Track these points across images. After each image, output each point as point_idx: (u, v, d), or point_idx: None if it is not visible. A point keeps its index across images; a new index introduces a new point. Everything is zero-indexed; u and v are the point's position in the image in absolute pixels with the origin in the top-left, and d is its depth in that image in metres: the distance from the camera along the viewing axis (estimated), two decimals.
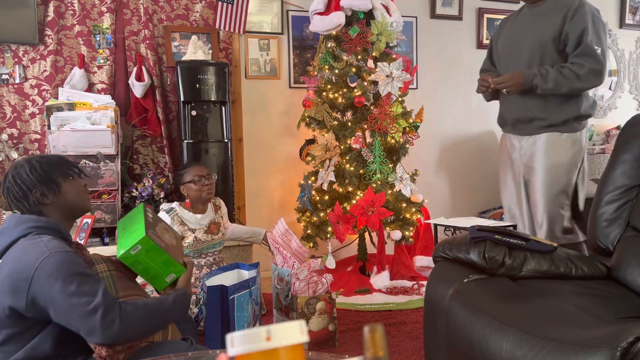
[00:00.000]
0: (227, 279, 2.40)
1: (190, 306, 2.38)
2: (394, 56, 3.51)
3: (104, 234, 3.14)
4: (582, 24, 2.49)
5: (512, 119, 2.75)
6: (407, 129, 3.49)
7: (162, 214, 2.55)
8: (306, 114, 3.54)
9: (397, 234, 3.36)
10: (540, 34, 2.58)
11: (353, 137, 3.42)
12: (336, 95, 3.43)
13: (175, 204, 2.61)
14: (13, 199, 1.50)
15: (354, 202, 3.33)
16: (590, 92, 2.66)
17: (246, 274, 2.48)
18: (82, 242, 2.89)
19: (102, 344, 1.35)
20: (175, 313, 1.52)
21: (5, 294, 1.38)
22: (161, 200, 3.29)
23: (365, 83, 3.39)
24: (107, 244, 3.11)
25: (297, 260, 2.50)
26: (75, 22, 3.47)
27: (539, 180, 2.64)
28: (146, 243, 1.53)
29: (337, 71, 3.46)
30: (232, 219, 3.29)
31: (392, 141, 3.44)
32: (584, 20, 2.49)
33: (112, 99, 3.40)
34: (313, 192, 3.49)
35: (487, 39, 4.52)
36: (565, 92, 2.54)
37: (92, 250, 2.95)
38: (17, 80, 3.39)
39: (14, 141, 3.39)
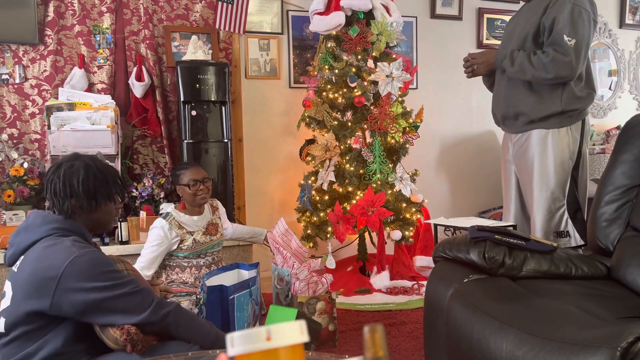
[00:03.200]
0: (227, 279, 2.40)
1: (191, 306, 2.38)
2: (394, 56, 3.51)
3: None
4: (555, 13, 2.42)
5: (500, 115, 2.72)
6: (407, 129, 3.49)
7: (159, 220, 2.54)
8: (306, 114, 3.54)
9: (397, 234, 3.36)
10: (525, 29, 2.55)
11: (353, 137, 3.42)
12: (336, 95, 3.43)
13: (171, 209, 2.59)
14: (52, 193, 1.49)
15: (354, 202, 3.33)
16: (576, 85, 2.52)
17: (246, 274, 2.48)
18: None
19: (138, 323, 1.38)
20: (204, 343, 1.49)
21: (27, 294, 1.37)
22: (161, 200, 3.29)
23: (365, 83, 3.39)
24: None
25: (297, 261, 2.50)
26: (75, 22, 3.48)
27: (529, 181, 2.60)
28: None
29: (337, 71, 3.46)
30: (232, 219, 3.29)
31: (392, 141, 3.44)
32: (558, 10, 2.41)
33: (112, 99, 3.40)
34: (313, 192, 3.49)
35: (487, 39, 4.52)
36: (530, 78, 2.48)
37: None
38: (17, 80, 3.39)
39: (14, 141, 3.39)
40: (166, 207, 2.63)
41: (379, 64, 3.40)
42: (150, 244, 2.47)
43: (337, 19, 3.40)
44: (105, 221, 1.57)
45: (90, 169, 1.50)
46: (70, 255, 1.35)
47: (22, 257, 1.44)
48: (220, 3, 3.60)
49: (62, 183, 1.47)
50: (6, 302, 1.44)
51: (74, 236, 1.45)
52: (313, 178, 3.53)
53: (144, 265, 2.43)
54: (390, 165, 3.44)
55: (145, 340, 1.41)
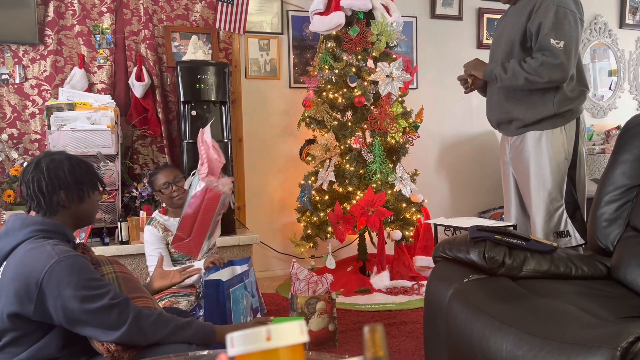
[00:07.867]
0: (223, 275, 2.41)
1: (189, 307, 2.39)
2: (394, 56, 3.51)
3: (104, 234, 3.14)
4: (540, 19, 2.41)
5: (494, 121, 2.74)
6: (407, 129, 3.49)
7: (147, 227, 2.54)
8: (306, 114, 3.54)
9: (397, 234, 3.36)
10: (512, 33, 2.54)
11: (353, 137, 3.42)
12: (336, 95, 3.43)
13: (155, 214, 2.59)
14: (36, 191, 1.44)
15: (354, 202, 3.33)
16: (568, 85, 2.51)
17: (239, 269, 2.49)
18: (82, 242, 2.89)
19: (115, 342, 1.35)
20: (189, 340, 1.47)
21: (9, 299, 1.35)
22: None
23: (365, 83, 3.39)
24: (107, 244, 3.11)
25: (209, 172, 2.13)
26: (75, 22, 3.47)
27: (526, 183, 2.60)
28: None
29: (337, 71, 3.45)
30: (232, 220, 3.28)
31: (392, 141, 3.44)
32: (543, 15, 2.40)
33: (112, 99, 3.40)
34: (313, 192, 3.49)
35: (487, 39, 4.52)
36: (522, 85, 2.47)
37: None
38: (17, 80, 3.39)
39: (14, 141, 3.39)
40: (150, 218, 2.63)
41: (379, 64, 3.40)
42: (148, 246, 2.49)
43: (337, 19, 3.40)
44: (91, 213, 1.55)
45: (73, 159, 1.50)
46: (50, 260, 1.32)
47: (4, 262, 1.41)
48: (220, 3, 3.60)
49: (47, 177, 1.44)
50: None
51: (55, 238, 1.42)
52: (313, 178, 3.53)
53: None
54: (390, 165, 3.44)
55: (131, 349, 1.39)
